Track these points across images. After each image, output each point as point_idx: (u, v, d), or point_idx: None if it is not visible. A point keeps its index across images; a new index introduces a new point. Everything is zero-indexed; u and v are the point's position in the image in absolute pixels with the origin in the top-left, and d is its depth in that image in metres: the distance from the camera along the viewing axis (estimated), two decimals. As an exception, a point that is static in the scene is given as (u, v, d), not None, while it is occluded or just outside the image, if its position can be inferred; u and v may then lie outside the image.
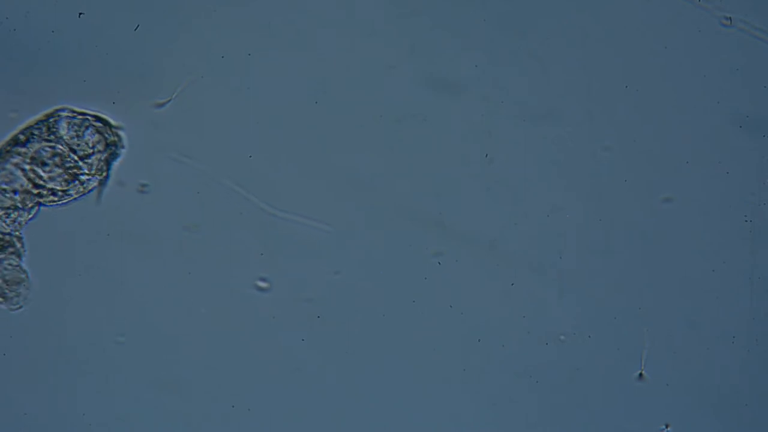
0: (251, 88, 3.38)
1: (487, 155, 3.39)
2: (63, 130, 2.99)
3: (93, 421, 3.33)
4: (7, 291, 3.03)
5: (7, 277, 2.99)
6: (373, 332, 3.37)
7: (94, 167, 3.04)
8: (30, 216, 3.12)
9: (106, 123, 3.10)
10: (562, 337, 3.31)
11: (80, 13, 3.36)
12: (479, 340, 3.36)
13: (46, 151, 2.95)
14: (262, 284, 3.35)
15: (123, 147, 2.99)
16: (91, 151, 3.13)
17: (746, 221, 3.39)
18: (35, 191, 3.10)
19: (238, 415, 3.34)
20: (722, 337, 3.37)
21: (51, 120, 3.06)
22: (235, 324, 3.36)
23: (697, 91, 3.43)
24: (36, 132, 3.02)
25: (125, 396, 3.33)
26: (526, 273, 3.37)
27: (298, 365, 3.36)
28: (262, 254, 3.36)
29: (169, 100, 3.22)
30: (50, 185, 3.08)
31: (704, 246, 3.39)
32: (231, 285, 3.36)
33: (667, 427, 3.34)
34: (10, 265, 3.01)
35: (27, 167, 3.06)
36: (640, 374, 3.34)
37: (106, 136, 3.04)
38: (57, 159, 3.02)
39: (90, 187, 3.06)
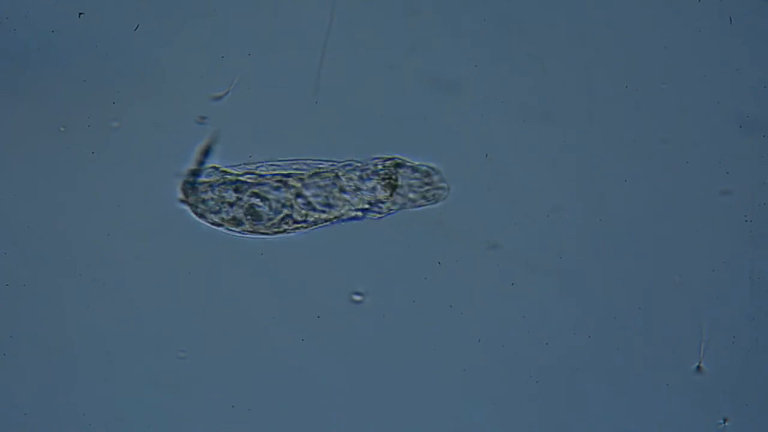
0: (251, 88, 3.38)
1: (487, 155, 3.39)
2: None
3: (93, 421, 3.33)
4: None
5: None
6: (372, 332, 3.37)
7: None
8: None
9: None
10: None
11: (80, 13, 3.36)
12: (479, 340, 3.36)
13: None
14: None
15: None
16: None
17: (746, 221, 3.39)
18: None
19: (238, 415, 3.34)
20: (722, 337, 3.37)
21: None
22: (235, 324, 3.36)
23: (697, 91, 3.43)
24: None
25: (125, 396, 3.34)
26: (526, 273, 3.38)
27: (298, 365, 3.36)
28: (262, 254, 3.36)
29: (227, 92, 3.25)
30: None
31: (704, 246, 3.39)
32: (229, 285, 3.36)
33: (725, 421, 3.34)
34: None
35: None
36: (698, 366, 3.34)
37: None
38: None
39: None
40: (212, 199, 3.24)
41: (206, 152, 3.22)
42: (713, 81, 3.43)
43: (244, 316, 3.36)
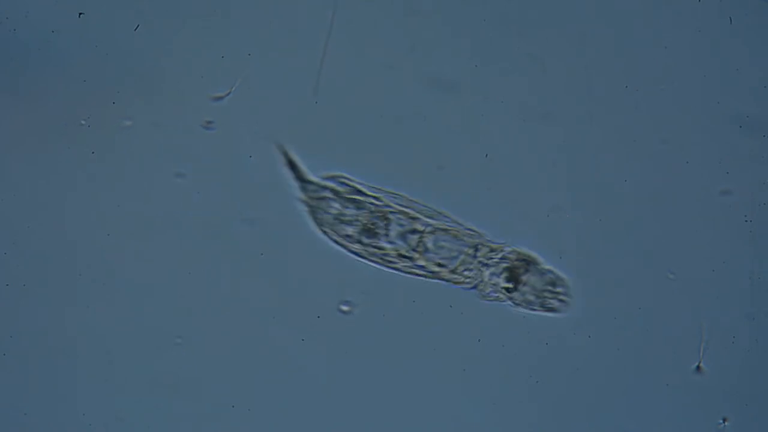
0: (251, 88, 3.38)
1: (487, 155, 3.39)
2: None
3: (93, 421, 3.33)
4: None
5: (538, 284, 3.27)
6: (372, 332, 3.37)
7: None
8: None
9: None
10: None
11: (80, 13, 3.36)
12: (479, 340, 3.36)
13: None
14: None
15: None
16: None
17: (746, 221, 3.39)
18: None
19: (238, 415, 3.34)
20: (722, 337, 3.36)
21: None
22: (235, 324, 3.36)
23: (697, 91, 3.43)
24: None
25: (125, 396, 3.34)
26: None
27: (298, 365, 3.36)
28: (262, 254, 3.36)
29: (228, 93, 3.25)
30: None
31: (704, 246, 3.39)
32: (228, 284, 3.36)
33: (725, 421, 3.34)
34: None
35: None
36: (698, 366, 3.33)
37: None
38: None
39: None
40: (335, 212, 3.25)
41: (292, 164, 3.24)
42: (713, 81, 3.43)
43: (245, 315, 3.36)
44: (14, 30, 3.35)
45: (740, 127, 3.41)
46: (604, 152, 3.41)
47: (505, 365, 3.37)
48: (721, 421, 3.34)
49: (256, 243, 3.36)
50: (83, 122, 3.26)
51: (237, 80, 3.34)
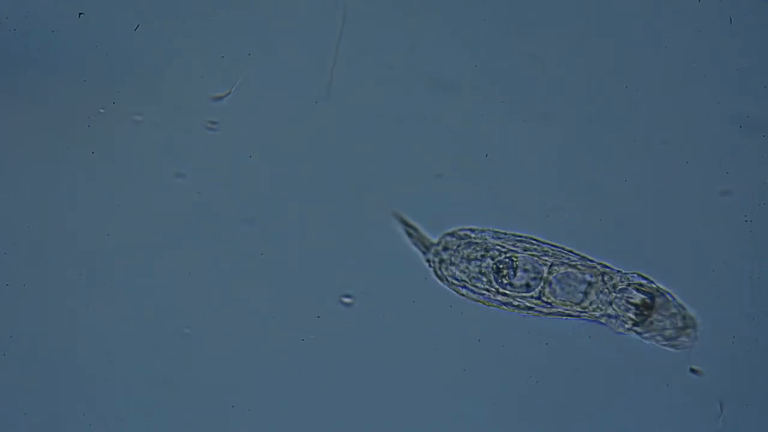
0: (251, 88, 3.38)
1: (487, 155, 3.39)
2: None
3: (93, 421, 3.33)
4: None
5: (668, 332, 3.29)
6: (372, 332, 3.37)
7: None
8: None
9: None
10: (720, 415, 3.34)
11: (80, 13, 3.36)
12: (479, 340, 3.36)
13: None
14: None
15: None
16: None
17: (746, 221, 3.39)
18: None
19: (238, 415, 3.35)
20: (722, 337, 3.36)
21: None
22: (235, 324, 3.36)
23: (697, 91, 3.43)
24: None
25: (125, 396, 3.34)
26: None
27: (298, 365, 3.36)
28: (262, 254, 3.37)
29: (228, 93, 3.25)
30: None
31: (704, 246, 3.39)
32: (228, 284, 3.37)
33: (721, 410, 3.34)
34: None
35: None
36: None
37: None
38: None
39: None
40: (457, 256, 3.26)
41: (412, 233, 3.25)
42: (713, 81, 3.43)
43: (245, 315, 3.36)
44: (14, 30, 3.35)
45: (740, 127, 3.41)
46: (604, 152, 3.41)
47: (505, 365, 3.37)
48: (719, 411, 3.34)
49: (255, 242, 3.36)
50: (102, 110, 3.26)
51: (237, 80, 3.35)
